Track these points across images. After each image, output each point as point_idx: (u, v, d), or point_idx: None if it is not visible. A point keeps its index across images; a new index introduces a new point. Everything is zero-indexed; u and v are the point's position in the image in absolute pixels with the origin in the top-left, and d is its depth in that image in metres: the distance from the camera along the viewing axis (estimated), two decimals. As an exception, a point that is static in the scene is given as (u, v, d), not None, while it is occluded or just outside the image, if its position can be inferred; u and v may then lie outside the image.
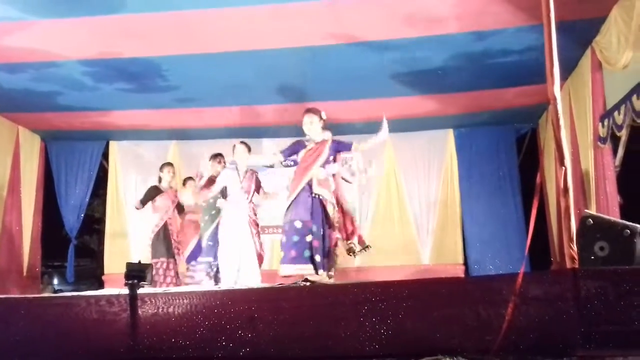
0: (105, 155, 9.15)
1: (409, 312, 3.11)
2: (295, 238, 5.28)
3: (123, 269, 3.80)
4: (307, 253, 5.25)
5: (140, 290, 3.33)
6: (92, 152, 8.94)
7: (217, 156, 6.97)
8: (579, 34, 5.57)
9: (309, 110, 5.70)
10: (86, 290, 5.50)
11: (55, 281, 10.22)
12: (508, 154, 8.73)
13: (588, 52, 5.90)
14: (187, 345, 3.23)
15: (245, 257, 5.94)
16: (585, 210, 4.42)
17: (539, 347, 2.93)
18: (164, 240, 7.14)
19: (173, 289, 4.39)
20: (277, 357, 3.16)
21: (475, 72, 6.60)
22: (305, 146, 5.63)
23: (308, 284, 4.27)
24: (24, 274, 8.18)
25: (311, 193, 5.44)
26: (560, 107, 3.43)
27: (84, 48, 5.98)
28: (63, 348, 3.28)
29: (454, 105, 7.77)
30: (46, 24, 5.43)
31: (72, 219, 8.76)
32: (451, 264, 8.39)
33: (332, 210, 5.42)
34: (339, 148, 5.69)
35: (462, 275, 8.13)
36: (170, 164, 7.67)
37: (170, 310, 3.29)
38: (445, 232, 8.47)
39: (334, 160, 5.69)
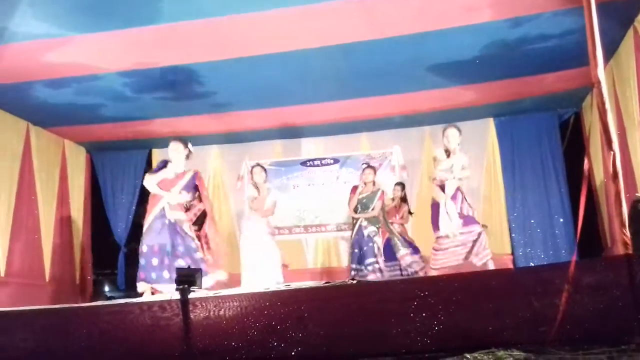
0: (149, 164, 9.31)
1: (459, 306, 3.08)
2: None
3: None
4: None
5: (190, 295, 3.37)
6: (136, 161, 9.12)
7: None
8: (620, 14, 5.42)
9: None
10: (137, 296, 5.58)
11: (107, 288, 10.44)
12: (551, 140, 8.54)
13: (630, 32, 5.75)
14: (239, 347, 3.26)
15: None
16: (637, 194, 4.30)
17: (594, 336, 2.87)
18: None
19: (223, 292, 4.44)
20: (328, 355, 3.17)
21: (513, 59, 6.49)
22: None
23: (355, 282, 4.27)
24: (77, 282, 8.41)
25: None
26: (605, 90, 3.35)
27: (122, 60, 6.12)
28: (120, 355, 3.35)
29: (493, 93, 7.66)
30: (85, 39, 5.56)
31: (120, 227, 8.94)
32: (498, 255, 8.24)
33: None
34: None
35: (510, 265, 8.01)
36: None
37: (221, 313, 3.33)
38: (491, 222, 8.34)
39: None
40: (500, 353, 2.70)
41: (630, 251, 3.11)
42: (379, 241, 6.91)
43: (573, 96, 7.85)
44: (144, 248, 5.60)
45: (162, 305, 3.41)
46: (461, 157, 5.72)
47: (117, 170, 9.17)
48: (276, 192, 7.14)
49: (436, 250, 5.70)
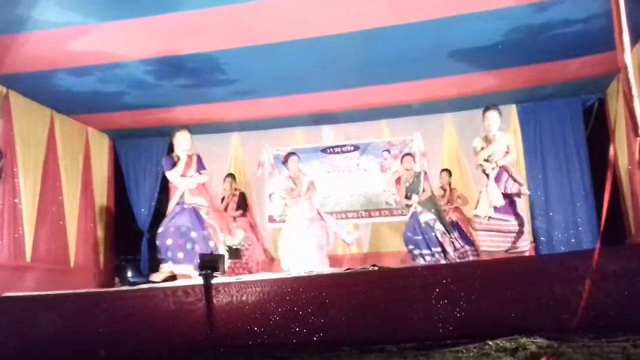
0: (171, 151, 9.36)
1: (482, 293, 3.08)
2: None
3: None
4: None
5: (214, 280, 3.40)
6: (157, 148, 9.15)
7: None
8: (647, -3, 5.31)
9: None
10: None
11: (129, 274, 10.58)
12: (575, 126, 8.42)
13: (657, 15, 5.62)
14: (262, 332, 3.29)
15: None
16: (662, 181, 4.24)
17: (619, 324, 2.85)
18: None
19: (245, 277, 4.48)
20: (350, 341, 3.18)
21: (537, 44, 6.40)
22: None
23: (377, 268, 4.27)
24: (100, 267, 8.53)
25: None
26: (632, 75, 3.29)
27: (144, 48, 6.15)
28: (145, 338, 3.40)
29: (516, 79, 7.57)
30: (108, 27, 5.60)
31: (143, 213, 9.01)
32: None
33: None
34: None
35: (532, 252, 7.94)
36: (231, 176, 8.19)
37: (244, 298, 3.36)
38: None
39: None
40: (523, 340, 2.69)
41: (655, 239, 3.08)
42: (440, 227, 6.92)
43: (597, 82, 7.74)
44: (160, 229, 5.68)
45: (186, 290, 3.46)
46: (502, 141, 5.56)
47: (139, 157, 9.24)
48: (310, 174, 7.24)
49: (481, 230, 5.55)
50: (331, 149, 9.00)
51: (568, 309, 2.88)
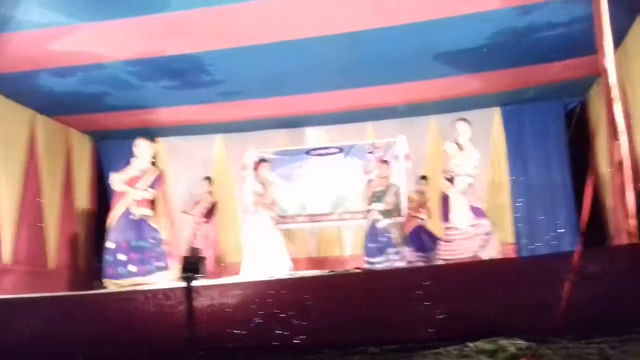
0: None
1: (462, 295, 3.08)
2: None
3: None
4: None
5: (194, 283, 3.38)
6: (141, 149, 9.11)
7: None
8: (628, 2, 5.38)
9: None
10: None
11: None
12: (557, 129, 8.51)
13: (638, 20, 5.70)
14: (243, 335, 3.27)
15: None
16: (642, 184, 4.29)
17: (598, 325, 2.86)
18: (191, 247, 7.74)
19: (227, 280, 4.47)
20: (332, 344, 3.17)
21: (520, 47, 6.45)
22: None
23: (359, 270, 4.28)
24: (80, 270, 8.45)
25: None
26: (612, 79, 3.32)
27: (128, 48, 6.11)
28: (124, 341, 3.36)
29: (500, 82, 7.63)
30: (91, 27, 5.56)
31: (125, 215, 8.94)
32: (502, 244, 8.26)
33: None
34: None
35: (513, 254, 8.00)
36: (209, 179, 8.31)
37: (225, 301, 3.34)
38: (495, 211, 8.33)
39: None
40: (503, 342, 2.70)
41: (634, 240, 3.10)
42: (396, 232, 7.00)
43: (579, 85, 7.81)
44: (110, 245, 5.69)
45: (167, 293, 3.43)
46: (473, 154, 5.67)
47: (122, 159, 9.11)
48: (280, 182, 7.25)
49: (445, 241, 5.69)
50: (315, 151, 9.00)
51: (548, 310, 2.90)
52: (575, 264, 2.89)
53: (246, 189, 7.42)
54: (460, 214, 5.49)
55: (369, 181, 7.33)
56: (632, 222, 3.17)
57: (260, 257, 6.67)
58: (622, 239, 3.69)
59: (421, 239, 7.50)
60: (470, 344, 2.74)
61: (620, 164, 3.24)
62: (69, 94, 7.15)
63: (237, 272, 6.91)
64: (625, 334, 2.71)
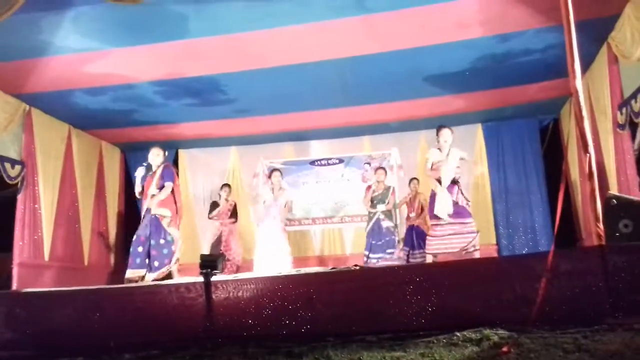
0: (176, 162, 9.35)
1: (450, 290, 3.08)
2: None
3: (195, 260, 3.87)
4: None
5: (213, 278, 3.38)
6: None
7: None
8: (596, 31, 5.40)
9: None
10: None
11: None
12: (532, 143, 8.53)
13: (604, 47, 5.72)
14: (255, 325, 3.26)
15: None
16: (609, 192, 4.28)
17: (571, 317, 2.86)
18: (218, 246, 7.67)
19: (241, 275, 4.46)
20: (334, 333, 3.16)
21: (500, 71, 6.47)
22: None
23: (358, 267, 4.27)
24: (111, 269, 8.45)
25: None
26: (582, 99, 3.33)
27: (153, 70, 6.14)
28: (150, 330, 3.36)
29: (481, 102, 7.64)
30: (121, 52, 5.59)
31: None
32: (485, 245, 8.23)
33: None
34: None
35: (495, 254, 7.98)
36: (227, 185, 8.14)
37: (240, 294, 3.34)
38: (478, 217, 8.32)
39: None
40: (487, 332, 2.69)
41: (603, 242, 3.10)
42: (398, 233, 7.00)
43: (552, 104, 7.82)
44: (134, 237, 5.76)
45: (188, 286, 3.43)
46: (457, 151, 5.61)
47: (147, 168, 9.17)
48: (287, 189, 7.21)
49: (431, 236, 5.62)
50: (319, 162, 8.99)
51: (527, 304, 2.89)
52: (550, 263, 2.88)
53: (260, 194, 7.36)
54: (444, 207, 5.40)
55: (369, 187, 7.28)
56: (600, 226, 3.17)
57: (268, 256, 6.68)
58: (592, 241, 3.69)
59: (412, 237, 7.45)
60: (458, 334, 2.73)
61: (589, 174, 3.24)
62: (101, 110, 7.17)
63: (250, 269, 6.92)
64: (596, 325, 2.71)
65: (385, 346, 2.75)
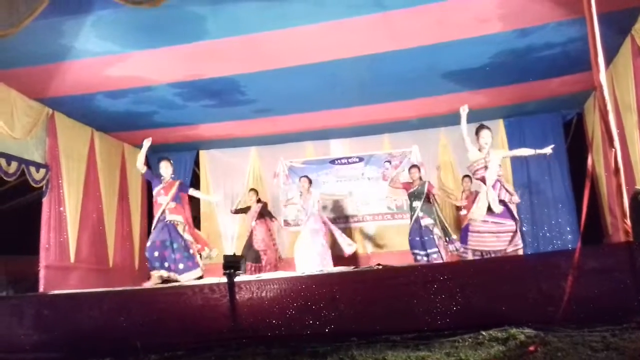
0: (197, 163, 9.43)
1: (475, 289, 3.07)
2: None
3: (218, 261, 3.91)
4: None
5: (236, 279, 3.41)
6: (185, 161, 9.22)
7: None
8: (619, 23, 5.31)
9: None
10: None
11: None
12: (556, 139, 8.32)
13: (628, 39, 5.63)
14: (279, 325, 3.29)
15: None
16: (636, 187, 4.21)
17: (598, 315, 2.83)
18: (251, 248, 7.65)
19: (264, 276, 4.48)
20: (358, 333, 3.17)
21: (520, 66, 6.39)
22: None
23: (381, 267, 4.26)
24: (136, 269, 8.55)
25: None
26: (606, 93, 3.28)
27: (173, 73, 6.18)
28: (175, 330, 3.41)
29: (502, 97, 7.55)
30: (141, 55, 5.64)
31: (172, 219, 9.03)
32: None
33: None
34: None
35: (519, 252, 7.87)
36: (254, 190, 8.17)
37: (263, 294, 3.37)
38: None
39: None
40: (513, 331, 2.68)
41: (630, 239, 3.05)
42: (438, 232, 6.90)
43: (576, 98, 7.70)
44: (148, 243, 5.96)
45: (212, 287, 3.46)
46: (496, 156, 5.51)
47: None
48: (317, 192, 7.52)
49: (472, 232, 5.46)
50: (339, 160, 9.00)
51: (553, 302, 2.87)
52: (576, 260, 2.85)
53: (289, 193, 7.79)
54: (492, 204, 5.27)
55: (408, 183, 7.23)
56: (627, 222, 3.12)
57: (304, 256, 7.01)
58: (619, 238, 3.63)
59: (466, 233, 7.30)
60: (484, 333, 2.72)
61: (615, 169, 3.19)
62: (122, 113, 7.26)
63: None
64: (624, 323, 2.67)
65: (410, 346, 2.75)
